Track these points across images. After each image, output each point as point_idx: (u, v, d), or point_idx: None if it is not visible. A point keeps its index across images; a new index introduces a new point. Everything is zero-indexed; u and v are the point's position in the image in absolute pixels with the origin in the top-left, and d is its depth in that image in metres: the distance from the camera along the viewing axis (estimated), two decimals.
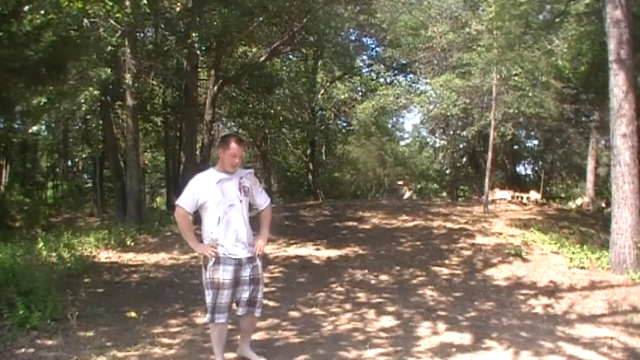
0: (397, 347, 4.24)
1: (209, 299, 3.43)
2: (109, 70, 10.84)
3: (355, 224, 11.53)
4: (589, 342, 4.42)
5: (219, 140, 3.73)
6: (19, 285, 5.16)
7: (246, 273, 3.45)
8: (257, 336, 4.43)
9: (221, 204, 3.39)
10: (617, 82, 7.43)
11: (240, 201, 3.45)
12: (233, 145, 3.42)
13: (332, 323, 5.00)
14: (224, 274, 3.37)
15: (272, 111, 17.36)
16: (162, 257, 8.30)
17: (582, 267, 7.49)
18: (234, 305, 3.60)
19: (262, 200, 3.68)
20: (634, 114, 7.39)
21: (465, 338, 4.50)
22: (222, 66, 13.49)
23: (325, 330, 4.76)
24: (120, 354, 3.97)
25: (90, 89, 10.43)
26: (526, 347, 4.26)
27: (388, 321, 5.08)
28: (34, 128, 12.80)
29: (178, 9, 11.96)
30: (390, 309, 5.55)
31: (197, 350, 4.18)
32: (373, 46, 21.60)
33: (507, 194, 15.94)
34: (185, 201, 3.45)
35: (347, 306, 5.67)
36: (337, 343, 4.36)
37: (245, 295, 3.49)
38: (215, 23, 11.13)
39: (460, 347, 4.24)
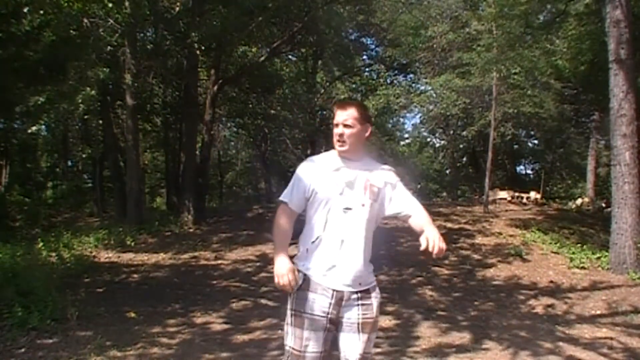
0: (394, 347, 4.23)
1: (289, 340, 2.21)
2: (107, 70, 10.85)
3: None
4: (588, 343, 4.42)
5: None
6: (19, 285, 5.18)
7: (353, 315, 2.20)
8: (254, 336, 4.43)
9: (332, 203, 2.20)
10: (617, 82, 7.43)
11: (363, 205, 2.20)
12: (335, 110, 2.30)
13: None
14: (314, 305, 2.15)
15: (272, 111, 17.35)
16: (161, 257, 8.30)
17: (582, 267, 7.51)
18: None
19: (411, 202, 2.35)
20: (634, 114, 7.39)
21: (464, 338, 4.50)
22: (222, 66, 13.47)
23: None
24: (119, 354, 3.97)
25: (88, 89, 10.44)
26: (525, 347, 4.26)
27: (387, 321, 5.07)
28: (34, 128, 12.80)
29: (178, 9, 11.96)
30: (390, 308, 5.55)
31: (197, 350, 4.17)
32: (373, 46, 21.54)
33: (507, 194, 15.94)
34: (291, 195, 2.28)
35: None
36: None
37: (350, 349, 2.24)
38: (215, 23, 11.13)
39: (458, 347, 4.23)
